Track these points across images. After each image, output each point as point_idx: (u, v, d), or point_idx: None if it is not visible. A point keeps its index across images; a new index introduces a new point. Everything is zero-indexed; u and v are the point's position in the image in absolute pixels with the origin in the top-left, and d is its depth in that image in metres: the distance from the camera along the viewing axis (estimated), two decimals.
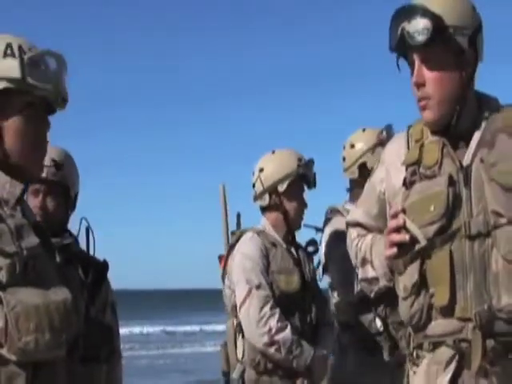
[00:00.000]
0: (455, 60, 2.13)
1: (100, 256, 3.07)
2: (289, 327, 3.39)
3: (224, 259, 3.67)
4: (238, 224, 3.79)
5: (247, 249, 3.50)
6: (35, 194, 3.02)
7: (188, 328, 27.85)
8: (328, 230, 3.81)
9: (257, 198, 3.63)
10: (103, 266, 3.08)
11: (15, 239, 1.77)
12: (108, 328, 2.89)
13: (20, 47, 1.93)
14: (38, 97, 1.93)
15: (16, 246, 1.76)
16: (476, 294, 2.03)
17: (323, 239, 3.82)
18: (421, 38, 2.07)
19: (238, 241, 3.59)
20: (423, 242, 2.07)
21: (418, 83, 2.15)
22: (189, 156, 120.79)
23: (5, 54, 1.91)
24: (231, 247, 3.62)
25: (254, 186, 3.63)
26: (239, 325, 3.48)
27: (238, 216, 3.80)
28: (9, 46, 1.92)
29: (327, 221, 3.86)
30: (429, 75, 2.14)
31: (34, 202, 3.00)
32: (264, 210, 3.64)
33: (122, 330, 3.26)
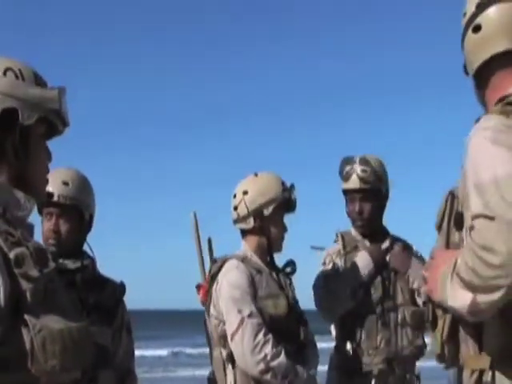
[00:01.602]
0: None
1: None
2: (283, 352, 3.42)
3: (204, 289, 3.65)
4: (210, 249, 3.77)
5: (234, 278, 3.49)
6: (48, 217, 3.09)
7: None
8: (322, 254, 4.05)
9: (239, 220, 3.61)
10: (120, 288, 3.16)
11: (36, 263, 1.80)
12: (104, 349, 2.92)
13: (41, 77, 1.99)
14: (54, 126, 2.00)
15: (38, 270, 1.79)
16: None
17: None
18: None
19: (219, 269, 3.57)
20: None
21: None
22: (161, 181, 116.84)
23: (36, 83, 1.95)
24: (213, 276, 3.59)
25: (235, 208, 3.61)
26: (229, 354, 3.46)
27: (209, 241, 3.79)
28: (36, 74, 1.97)
29: (335, 242, 4.07)
30: None
31: (47, 225, 3.09)
32: (246, 233, 3.64)
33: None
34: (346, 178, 3.99)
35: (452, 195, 2.11)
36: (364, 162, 3.97)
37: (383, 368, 3.86)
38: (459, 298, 1.87)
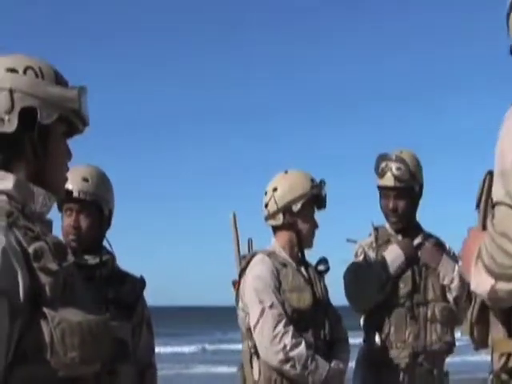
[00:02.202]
0: None
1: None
2: (303, 343, 3.46)
3: (237, 283, 3.76)
4: (250, 250, 3.86)
5: (258, 270, 3.59)
6: (68, 212, 3.13)
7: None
8: (355, 246, 4.12)
9: (269, 217, 3.70)
10: (140, 283, 3.19)
11: (55, 257, 1.82)
12: (124, 343, 2.96)
13: (62, 76, 2.00)
14: (74, 126, 2.01)
15: (56, 264, 1.81)
16: None
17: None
18: None
19: (248, 264, 3.67)
20: None
21: None
22: (199, 181, 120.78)
23: (56, 82, 1.96)
24: (242, 270, 3.70)
25: (266, 205, 3.70)
26: (254, 346, 3.54)
27: (250, 242, 3.89)
28: (56, 72, 1.98)
29: (369, 235, 4.13)
30: None
31: (67, 221, 3.13)
32: (276, 229, 3.73)
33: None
34: (381, 174, 4.01)
35: (490, 175, 2.03)
36: (399, 159, 3.98)
37: (409, 362, 3.83)
38: (481, 283, 1.85)
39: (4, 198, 1.88)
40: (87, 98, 2.02)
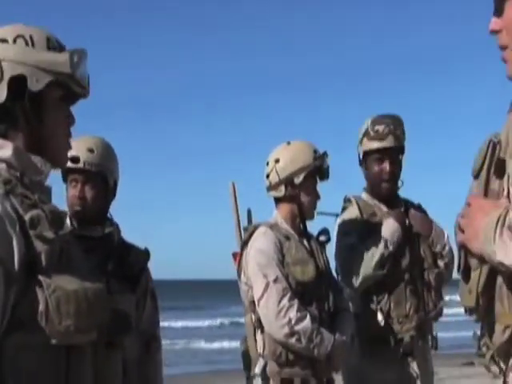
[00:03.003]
0: None
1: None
2: (308, 317, 3.43)
3: (238, 256, 3.71)
4: (249, 220, 3.83)
5: (261, 244, 3.54)
6: (73, 183, 3.10)
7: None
8: (339, 220, 3.96)
9: (271, 188, 3.65)
10: (144, 255, 3.16)
11: (51, 225, 1.81)
12: (126, 316, 2.88)
13: (57, 41, 1.98)
14: (71, 90, 1.98)
15: (53, 232, 1.80)
16: None
17: (335, 228, 3.93)
18: None
19: (250, 236, 3.63)
20: None
21: (491, 30, 1.98)
22: (197, 153, 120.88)
23: (48, 48, 1.94)
24: (244, 243, 3.65)
25: (267, 176, 3.65)
26: (258, 320, 3.51)
27: (249, 212, 3.85)
28: (49, 38, 1.96)
29: (342, 210, 3.99)
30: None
31: (72, 192, 3.10)
32: (278, 200, 3.67)
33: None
34: (379, 136, 3.88)
35: (493, 141, 1.99)
36: (397, 120, 3.93)
37: (414, 335, 3.81)
38: (511, 254, 1.80)
39: (3, 166, 1.87)
40: (84, 61, 1.99)
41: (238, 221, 3.84)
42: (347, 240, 3.88)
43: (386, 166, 3.91)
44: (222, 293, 41.70)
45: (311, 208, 3.67)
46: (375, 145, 3.91)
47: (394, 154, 3.93)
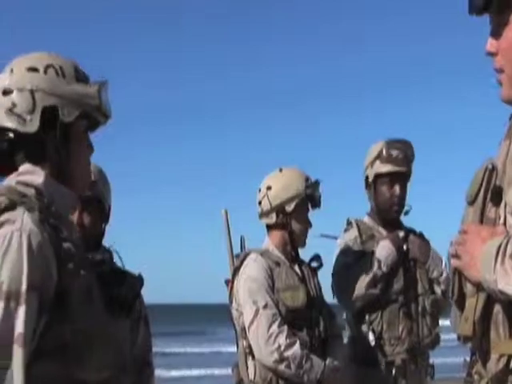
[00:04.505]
0: None
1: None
2: (298, 343, 3.45)
3: (230, 282, 3.75)
4: (242, 247, 3.85)
5: (252, 271, 3.58)
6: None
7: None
8: (339, 241, 4.02)
9: (263, 215, 3.69)
10: (138, 281, 3.17)
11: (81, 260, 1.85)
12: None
13: (83, 72, 2.01)
14: (95, 120, 2.02)
15: (82, 267, 1.84)
16: None
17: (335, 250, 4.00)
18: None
19: (242, 263, 3.66)
20: None
21: (487, 52, 1.97)
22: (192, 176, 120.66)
23: (77, 79, 1.97)
24: (236, 270, 3.68)
25: (260, 203, 3.69)
26: (249, 346, 3.54)
27: (242, 239, 3.87)
28: (76, 69, 1.99)
29: (344, 231, 4.06)
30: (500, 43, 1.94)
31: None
32: (269, 227, 3.72)
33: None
34: (393, 160, 3.91)
35: (489, 168, 1.96)
36: (410, 146, 3.97)
37: (405, 358, 3.83)
38: None
39: (32, 191, 1.87)
40: (108, 92, 2.02)
41: (231, 248, 3.87)
42: (343, 259, 3.94)
43: (397, 189, 3.96)
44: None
45: (302, 236, 3.71)
46: (389, 168, 3.93)
47: (405, 179, 3.98)
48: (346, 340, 3.92)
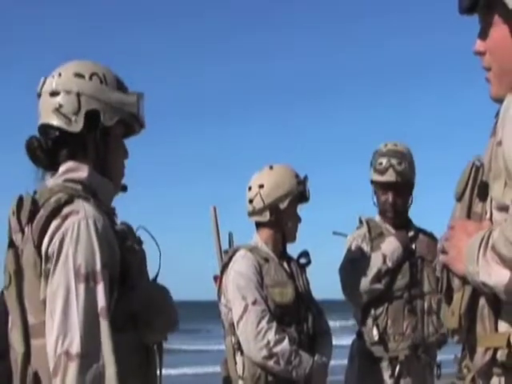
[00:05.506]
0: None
1: None
2: (286, 339, 3.47)
3: (219, 279, 3.76)
4: (231, 243, 3.86)
5: (240, 267, 3.58)
6: None
7: None
8: (349, 237, 4.11)
9: (255, 213, 3.68)
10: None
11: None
12: None
13: (122, 81, 2.22)
14: (132, 127, 2.24)
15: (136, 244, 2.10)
16: None
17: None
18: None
19: (230, 259, 3.67)
20: None
21: (476, 51, 2.00)
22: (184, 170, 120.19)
23: (118, 88, 2.18)
24: (224, 266, 3.69)
25: (251, 201, 3.67)
26: (238, 342, 3.55)
27: (230, 236, 3.88)
28: (117, 79, 2.20)
29: (357, 229, 4.15)
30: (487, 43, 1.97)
31: None
32: (260, 224, 3.71)
33: None
34: (380, 170, 3.98)
35: (476, 164, 1.99)
36: (401, 155, 3.99)
37: (409, 354, 3.87)
38: (495, 275, 1.78)
39: (80, 187, 2.09)
40: (144, 103, 2.23)
41: (219, 244, 3.87)
42: (351, 255, 4.02)
43: (389, 198, 4.03)
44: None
45: (294, 231, 3.73)
46: (378, 178, 4.02)
47: (398, 188, 4.00)
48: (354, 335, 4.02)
